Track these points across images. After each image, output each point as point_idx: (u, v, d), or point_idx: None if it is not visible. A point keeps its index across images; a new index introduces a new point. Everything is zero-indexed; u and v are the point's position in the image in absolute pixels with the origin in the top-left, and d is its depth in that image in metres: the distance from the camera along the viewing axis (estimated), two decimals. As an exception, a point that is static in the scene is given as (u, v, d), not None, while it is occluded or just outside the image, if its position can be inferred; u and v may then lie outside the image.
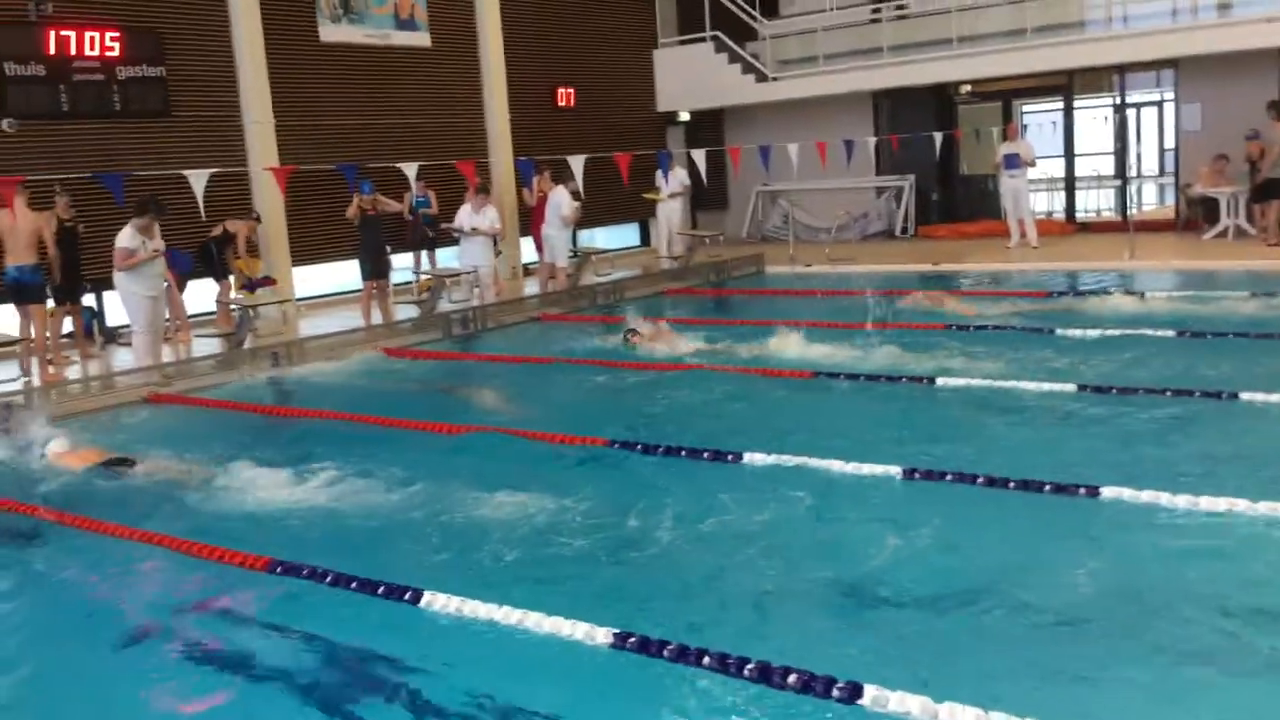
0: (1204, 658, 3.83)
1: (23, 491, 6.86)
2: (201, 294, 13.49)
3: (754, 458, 6.45)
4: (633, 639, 4.14)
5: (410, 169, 12.66)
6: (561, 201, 14.28)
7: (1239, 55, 15.57)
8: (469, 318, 12.64)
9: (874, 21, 19.13)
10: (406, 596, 4.75)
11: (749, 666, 3.86)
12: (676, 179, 16.73)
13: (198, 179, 10.71)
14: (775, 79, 19.36)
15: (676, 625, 4.26)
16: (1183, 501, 5.19)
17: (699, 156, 15.64)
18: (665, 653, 4.04)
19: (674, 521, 5.43)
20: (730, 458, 6.53)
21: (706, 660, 3.95)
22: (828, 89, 18.75)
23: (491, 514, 5.75)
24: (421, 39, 16.62)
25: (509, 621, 4.41)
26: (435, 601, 4.66)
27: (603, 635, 4.21)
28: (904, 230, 19.19)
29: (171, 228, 11.60)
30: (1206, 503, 5.15)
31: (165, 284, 10.89)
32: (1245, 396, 7.01)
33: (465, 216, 13.54)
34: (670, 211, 17.03)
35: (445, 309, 13.11)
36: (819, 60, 19.04)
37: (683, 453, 6.75)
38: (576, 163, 13.61)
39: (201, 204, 10.70)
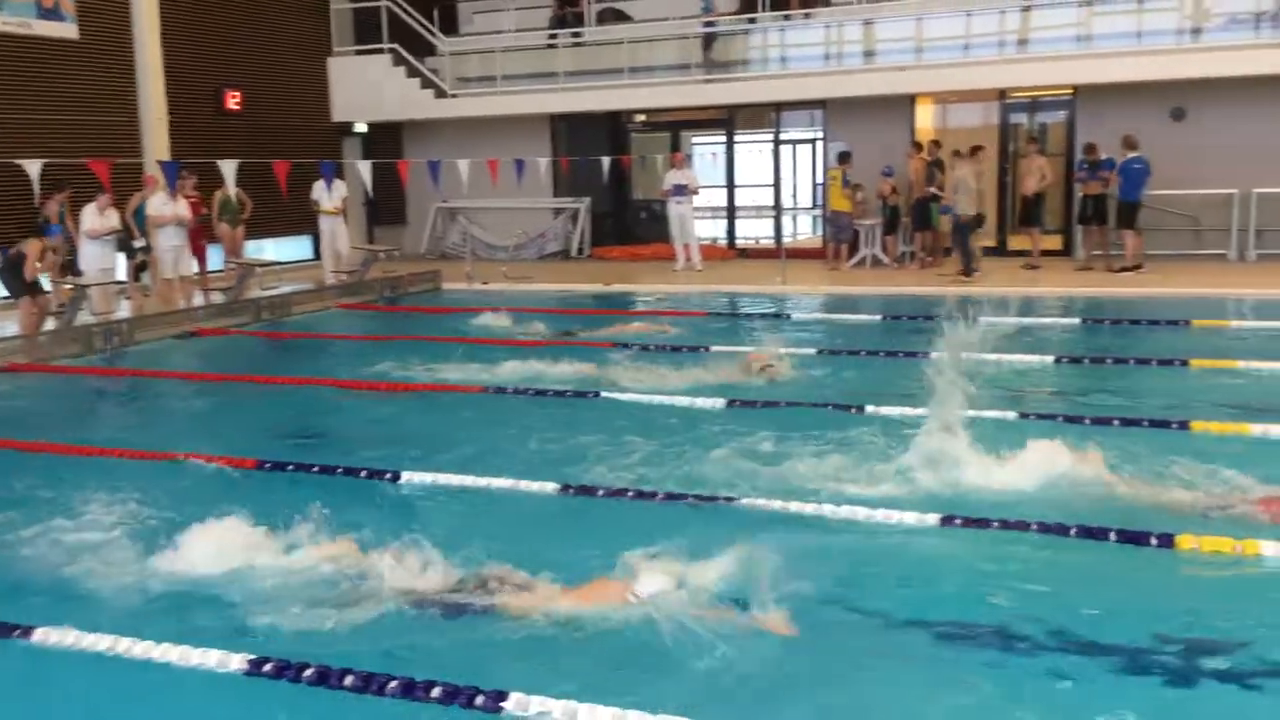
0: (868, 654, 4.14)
1: None
2: None
3: (412, 476, 6.37)
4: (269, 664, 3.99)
5: (33, 167, 11.67)
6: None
7: (879, 99, 17.14)
8: (112, 331, 11.67)
9: (551, 46, 19.54)
10: None
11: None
12: (338, 192, 16.27)
13: None
14: (454, 96, 19.34)
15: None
16: (811, 509, 5.61)
17: (365, 169, 15.28)
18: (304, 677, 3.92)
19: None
20: (389, 476, 6.41)
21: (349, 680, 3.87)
22: (506, 109, 18.96)
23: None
24: (68, 30, 15.31)
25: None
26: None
27: (238, 662, 4.03)
28: (579, 251, 19.66)
29: None
30: (831, 510, 5.58)
31: None
32: (870, 409, 7.66)
33: (90, 217, 12.72)
34: (334, 225, 16.51)
35: (87, 321, 12.10)
36: (498, 80, 19.20)
37: (339, 471, 6.57)
38: (229, 168, 12.98)
39: None
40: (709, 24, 18.53)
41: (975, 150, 15.64)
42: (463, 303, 14.33)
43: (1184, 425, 6.98)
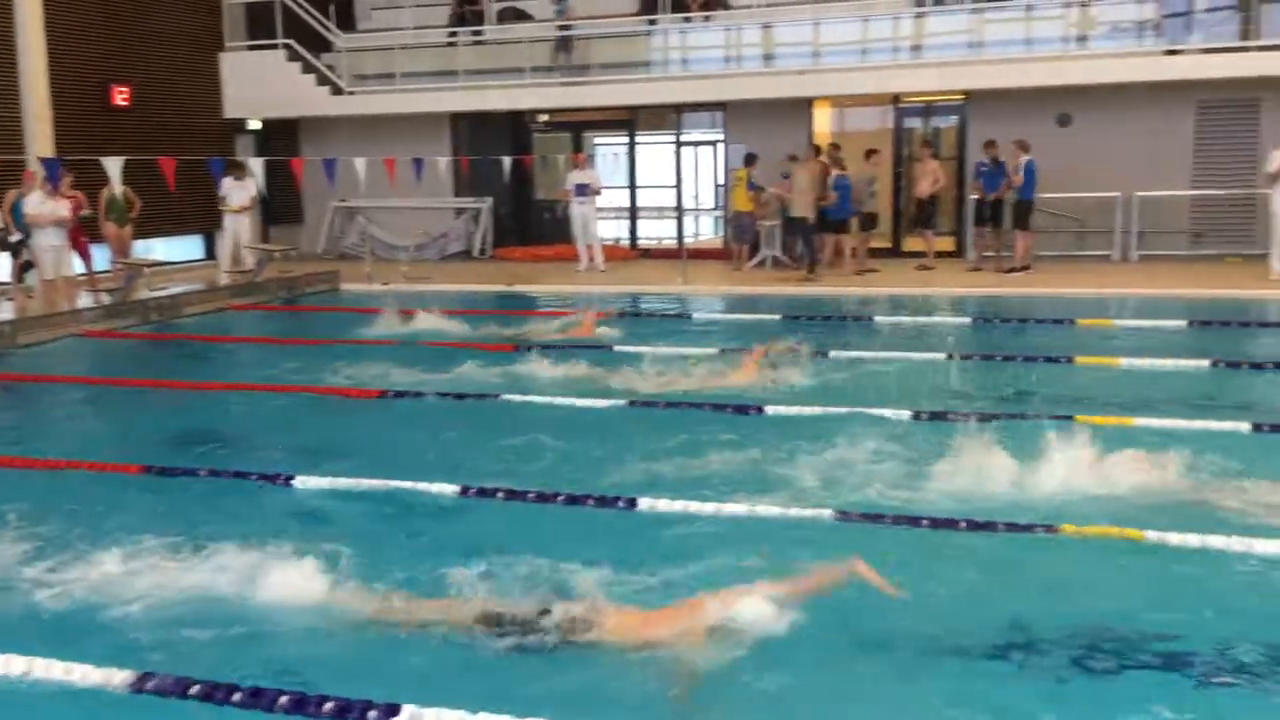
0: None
1: None
2: None
3: (308, 480, 6.24)
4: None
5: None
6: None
7: (777, 102, 17.35)
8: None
9: (450, 44, 19.35)
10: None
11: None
12: (247, 190, 15.89)
13: None
14: (352, 93, 19.03)
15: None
16: (710, 509, 5.65)
17: (258, 166, 14.91)
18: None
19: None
20: (282, 480, 6.27)
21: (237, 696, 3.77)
22: (404, 107, 18.71)
23: None
24: (-60, 18, 14.67)
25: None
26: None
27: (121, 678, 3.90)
28: (481, 251, 19.51)
29: None
30: (730, 508, 5.63)
31: None
32: (770, 410, 7.75)
33: None
34: (238, 223, 16.15)
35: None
36: (397, 78, 18.94)
37: (229, 475, 6.41)
38: (114, 165, 12.55)
39: None
40: (564, 27, 18.54)
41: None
42: (362, 303, 14.10)
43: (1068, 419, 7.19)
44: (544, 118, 19.83)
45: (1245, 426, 6.89)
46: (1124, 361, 9.17)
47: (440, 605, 4.48)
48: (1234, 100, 15.86)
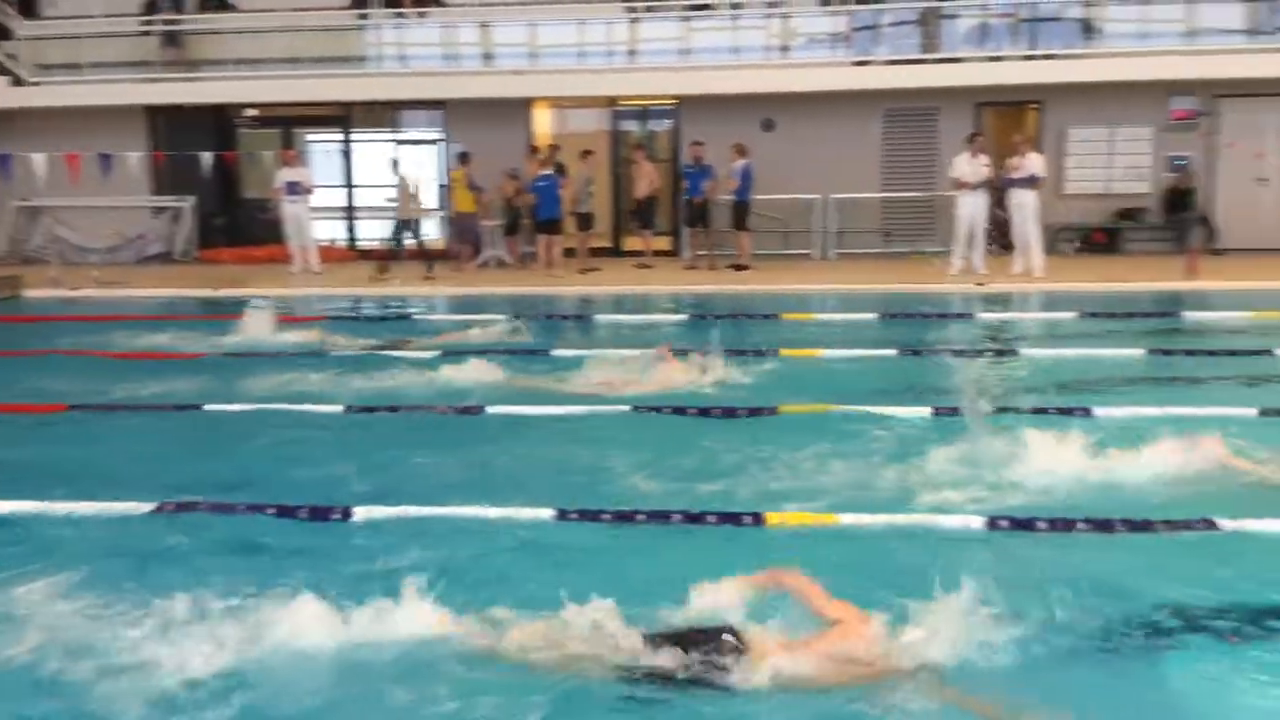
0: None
1: None
2: None
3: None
4: None
5: None
6: None
7: (497, 101, 17.31)
8: None
9: (145, 34, 18.13)
10: None
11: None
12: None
13: None
14: (35, 84, 17.51)
15: None
16: (426, 511, 5.57)
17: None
18: None
19: None
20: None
21: None
22: (94, 99, 17.38)
23: None
24: None
25: None
26: None
27: None
28: (185, 253, 18.41)
29: None
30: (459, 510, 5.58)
31: None
32: (490, 410, 7.73)
33: None
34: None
35: None
36: (84, 68, 17.57)
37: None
38: None
39: None
40: (169, 21, 17.94)
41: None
42: (47, 311, 13.00)
43: (773, 411, 7.58)
44: (251, 112, 18.94)
45: (926, 411, 7.45)
46: (824, 352, 9.74)
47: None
48: (916, 109, 17.19)
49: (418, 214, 16.49)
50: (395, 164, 17.01)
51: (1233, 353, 9.47)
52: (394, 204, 16.60)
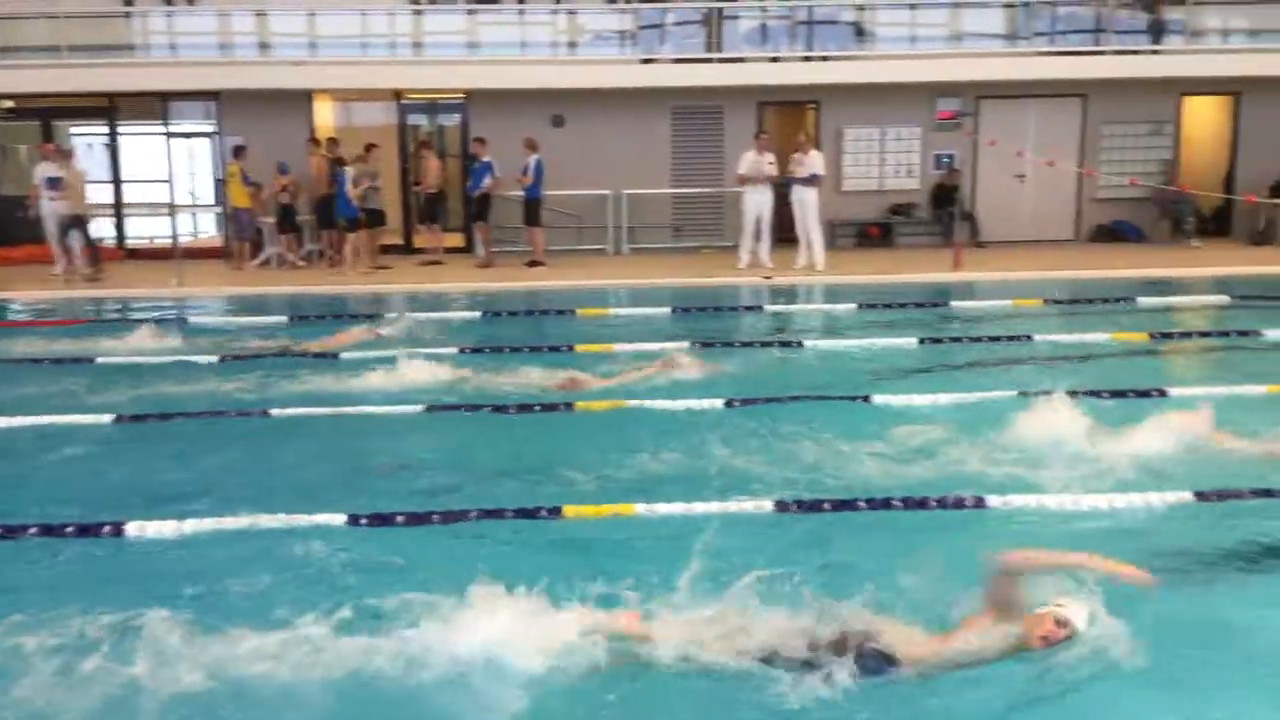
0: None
1: None
2: None
3: None
4: None
5: None
6: None
7: (275, 93, 16.65)
8: None
9: None
10: None
11: None
12: None
13: None
14: None
15: None
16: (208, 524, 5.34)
17: None
18: None
19: None
20: None
21: None
22: None
23: None
24: None
25: None
26: None
27: None
28: (-72, 254, 16.93)
29: None
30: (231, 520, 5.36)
31: None
32: (275, 412, 7.47)
33: None
34: None
35: None
36: None
37: None
38: None
39: None
40: None
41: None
42: None
43: (569, 407, 7.61)
44: (7, 104, 17.60)
45: (719, 403, 7.64)
46: (616, 347, 9.84)
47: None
48: (702, 107, 17.56)
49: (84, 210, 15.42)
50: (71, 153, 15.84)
51: (995, 339, 10.09)
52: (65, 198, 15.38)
